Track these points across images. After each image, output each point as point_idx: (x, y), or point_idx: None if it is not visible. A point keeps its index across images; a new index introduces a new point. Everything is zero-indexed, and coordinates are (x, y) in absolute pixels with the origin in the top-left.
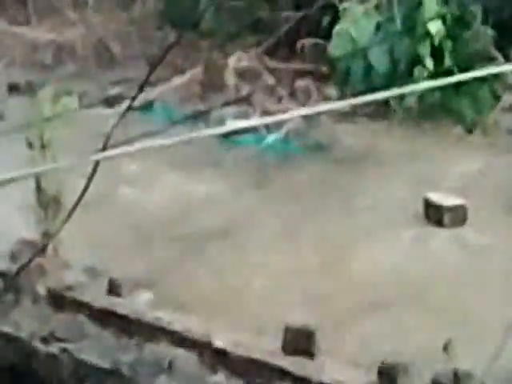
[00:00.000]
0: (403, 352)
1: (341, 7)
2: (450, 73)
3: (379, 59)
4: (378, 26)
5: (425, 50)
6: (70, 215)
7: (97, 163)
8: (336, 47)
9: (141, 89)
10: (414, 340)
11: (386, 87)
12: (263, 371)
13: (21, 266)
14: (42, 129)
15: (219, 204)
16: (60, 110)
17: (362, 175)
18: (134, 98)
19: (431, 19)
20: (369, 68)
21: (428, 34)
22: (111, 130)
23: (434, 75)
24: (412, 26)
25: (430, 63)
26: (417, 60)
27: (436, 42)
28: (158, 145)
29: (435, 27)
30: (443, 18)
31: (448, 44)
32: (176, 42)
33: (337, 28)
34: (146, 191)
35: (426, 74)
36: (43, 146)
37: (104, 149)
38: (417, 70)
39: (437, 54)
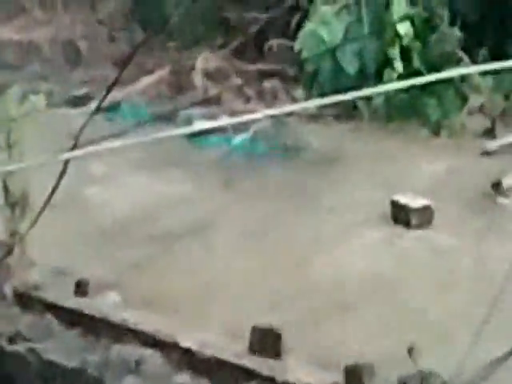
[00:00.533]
0: (369, 352)
1: (310, 8)
2: (418, 74)
3: (348, 60)
4: (348, 27)
5: (394, 52)
6: (39, 215)
7: (66, 163)
8: (305, 48)
9: (109, 89)
10: (380, 340)
11: (355, 88)
12: (229, 371)
13: None
14: (9, 128)
15: (187, 204)
16: (27, 110)
17: (329, 176)
18: (103, 99)
19: (400, 21)
20: (338, 69)
21: (397, 35)
22: (80, 130)
23: (402, 76)
24: (380, 28)
25: (399, 65)
26: (386, 62)
27: (405, 43)
28: (125, 145)
29: (404, 28)
30: (411, 20)
31: (416, 45)
32: (144, 43)
33: (305, 29)
34: (113, 191)
35: (395, 76)
36: (10, 146)
37: (74, 148)
38: (386, 73)
39: (405, 55)
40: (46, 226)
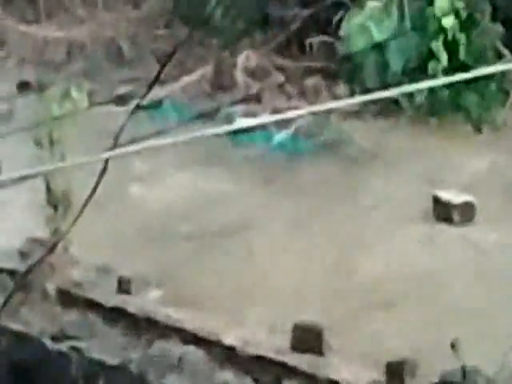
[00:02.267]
0: (412, 350)
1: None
2: (464, 67)
3: (394, 56)
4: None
5: (438, 44)
6: (80, 213)
7: (106, 161)
8: (351, 43)
9: (150, 87)
10: (423, 338)
11: (398, 84)
12: (272, 368)
13: (31, 264)
14: (51, 127)
15: (229, 202)
16: (69, 108)
17: (371, 173)
18: (143, 97)
19: (444, 15)
20: (382, 65)
21: (441, 28)
22: (121, 129)
23: (448, 70)
24: (424, 23)
25: (444, 57)
26: (430, 55)
27: (450, 36)
28: (167, 143)
29: (449, 22)
30: (456, 13)
31: (462, 37)
32: (185, 41)
33: (352, 23)
34: (156, 189)
35: (440, 68)
36: (52, 145)
37: (114, 147)
38: (431, 65)
39: (451, 48)
40: (88, 224)
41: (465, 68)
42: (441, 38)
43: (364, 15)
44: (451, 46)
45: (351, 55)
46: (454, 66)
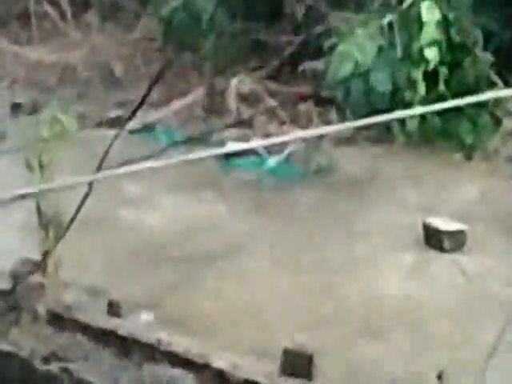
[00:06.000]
0: (399, 376)
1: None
2: (444, 99)
3: (381, 82)
4: (381, 50)
5: (417, 74)
6: (64, 233)
7: (91, 184)
8: (337, 70)
9: (135, 110)
10: (411, 366)
11: (387, 111)
12: None
13: (16, 282)
14: (41, 149)
15: (219, 227)
16: (59, 131)
17: (362, 199)
18: (130, 116)
19: (428, 45)
20: (370, 91)
21: (423, 59)
22: (106, 151)
23: (428, 101)
24: (410, 51)
25: (421, 88)
26: (412, 85)
27: (431, 67)
28: (157, 166)
29: (432, 53)
30: (440, 45)
31: (443, 70)
32: (172, 62)
33: (338, 50)
34: (147, 212)
35: (417, 98)
36: (42, 167)
37: (99, 169)
38: (408, 94)
39: (433, 79)
40: (79, 247)
41: (445, 99)
42: (421, 68)
43: (349, 42)
44: (434, 78)
45: (338, 82)
46: (434, 97)
